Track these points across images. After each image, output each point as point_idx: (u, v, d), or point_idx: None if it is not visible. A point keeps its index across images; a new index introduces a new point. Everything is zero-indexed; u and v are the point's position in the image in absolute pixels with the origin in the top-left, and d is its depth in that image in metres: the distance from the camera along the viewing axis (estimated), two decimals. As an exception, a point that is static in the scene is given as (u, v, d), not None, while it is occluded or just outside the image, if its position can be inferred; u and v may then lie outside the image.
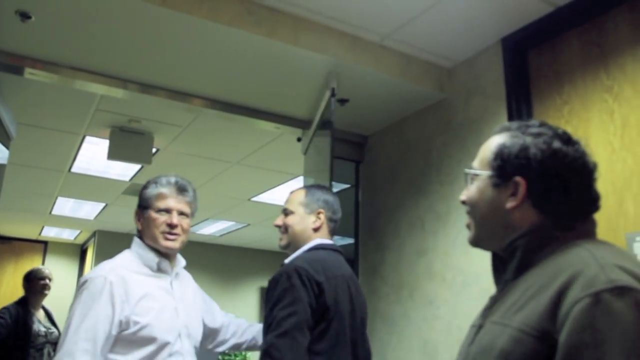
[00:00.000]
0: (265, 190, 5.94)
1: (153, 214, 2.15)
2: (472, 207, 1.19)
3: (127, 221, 8.21)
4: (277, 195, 6.11)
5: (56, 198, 6.74)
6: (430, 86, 3.18)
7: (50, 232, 9.28)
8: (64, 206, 7.15)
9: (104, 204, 7.05)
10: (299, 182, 5.41)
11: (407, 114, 3.51)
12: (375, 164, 3.79)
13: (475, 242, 1.20)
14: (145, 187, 2.25)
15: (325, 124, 3.26)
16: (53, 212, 7.52)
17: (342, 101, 3.34)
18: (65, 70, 2.99)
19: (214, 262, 9.68)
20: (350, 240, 3.81)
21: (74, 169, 5.44)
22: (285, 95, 3.32)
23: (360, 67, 2.93)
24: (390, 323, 3.36)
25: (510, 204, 1.10)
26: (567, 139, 1.11)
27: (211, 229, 8.40)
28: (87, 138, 4.53)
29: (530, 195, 1.08)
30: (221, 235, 8.97)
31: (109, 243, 8.73)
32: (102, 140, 4.45)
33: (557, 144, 1.08)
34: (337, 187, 4.27)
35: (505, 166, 1.11)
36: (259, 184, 5.71)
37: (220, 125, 4.14)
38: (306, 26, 2.77)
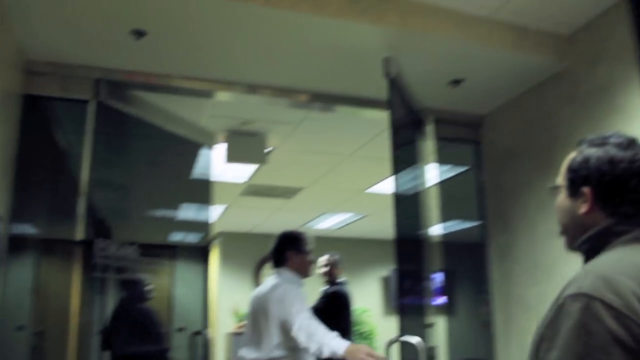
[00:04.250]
0: (380, 181, 5.89)
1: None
2: (558, 216, 1.29)
3: (247, 221, 8.49)
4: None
5: (180, 204, 7.05)
6: (548, 56, 3.00)
7: (176, 237, 9.74)
8: (188, 210, 7.46)
9: (224, 206, 7.28)
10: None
11: (525, 88, 3.34)
12: (495, 144, 3.63)
13: (568, 247, 1.30)
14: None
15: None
16: (178, 218, 7.88)
17: (456, 82, 3.23)
18: (177, 80, 3.09)
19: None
20: (475, 224, 3.70)
21: (194, 175, 5.65)
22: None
23: (472, 45, 2.81)
24: (526, 308, 3.21)
25: (581, 210, 1.19)
26: (627, 145, 1.18)
27: (327, 222, 8.48)
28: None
29: (598, 200, 1.17)
30: (339, 228, 9.02)
31: (231, 243, 9.06)
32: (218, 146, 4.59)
33: (613, 151, 1.17)
34: (455, 170, 4.15)
35: (574, 178, 1.21)
36: (373, 175, 5.66)
37: (331, 120, 4.13)
38: (414, 9, 2.69)
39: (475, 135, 3.77)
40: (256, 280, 5.85)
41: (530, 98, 3.31)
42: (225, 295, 8.89)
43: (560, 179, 1.27)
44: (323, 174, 5.63)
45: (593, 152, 1.19)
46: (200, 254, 10.66)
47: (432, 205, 3.70)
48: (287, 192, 6.48)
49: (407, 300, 3.25)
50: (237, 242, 9.18)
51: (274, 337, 2.84)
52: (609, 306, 0.93)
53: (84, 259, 3.45)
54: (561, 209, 1.26)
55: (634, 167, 1.15)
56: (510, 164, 3.47)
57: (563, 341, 0.95)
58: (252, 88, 3.25)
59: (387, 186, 6.07)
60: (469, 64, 3.02)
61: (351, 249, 9.98)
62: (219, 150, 4.57)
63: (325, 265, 5.03)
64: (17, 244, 3.05)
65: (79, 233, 3.30)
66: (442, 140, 3.67)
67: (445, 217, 3.92)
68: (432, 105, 3.56)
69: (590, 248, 1.17)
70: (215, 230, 9.28)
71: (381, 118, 3.69)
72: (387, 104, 2.92)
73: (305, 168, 5.50)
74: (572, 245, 1.27)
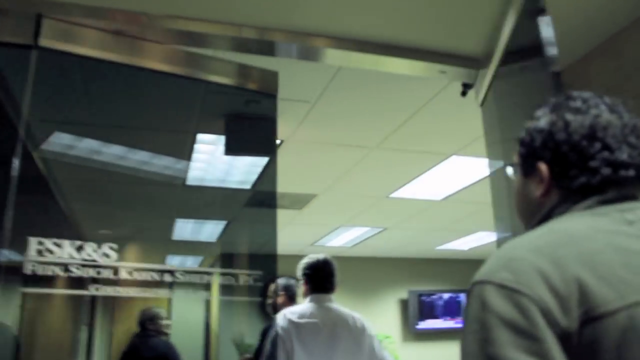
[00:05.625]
0: (409, 181, 4.98)
1: None
2: (514, 202, 1.15)
3: (252, 239, 7.57)
4: (420, 188, 5.16)
5: (174, 220, 6.14)
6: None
7: (173, 261, 8.81)
8: (183, 229, 6.55)
9: (225, 222, 6.37)
10: (449, 163, 4.43)
11: (622, 25, 2.47)
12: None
13: None
14: None
15: (522, 51, 2.29)
16: (173, 238, 6.95)
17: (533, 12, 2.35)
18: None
19: (346, 277, 8.84)
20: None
21: (189, 181, 4.77)
22: (443, 19, 2.39)
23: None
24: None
25: (538, 192, 1.05)
26: (587, 107, 1.02)
27: (342, 239, 7.57)
28: (199, 137, 3.81)
29: (555, 176, 1.03)
30: (353, 246, 8.10)
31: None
32: (218, 139, 3.71)
33: (570, 116, 1.02)
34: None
35: (526, 153, 1.08)
36: (402, 172, 4.76)
37: (355, 96, 3.27)
38: None
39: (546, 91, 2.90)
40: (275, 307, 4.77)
41: (632, 38, 2.45)
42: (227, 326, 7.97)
43: (515, 156, 1.15)
44: (342, 173, 4.73)
45: (546, 119, 1.05)
46: (200, 280, 9.70)
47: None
48: (297, 201, 5.57)
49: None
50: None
51: None
52: (499, 286, 0.82)
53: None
54: (515, 192, 1.14)
55: (596, 127, 0.98)
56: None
57: (462, 339, 0.84)
58: (260, 31, 2.37)
59: (415, 189, 5.18)
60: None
61: (367, 269, 9.07)
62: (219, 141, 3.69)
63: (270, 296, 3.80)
64: None
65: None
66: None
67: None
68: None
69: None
70: (217, 252, 8.36)
71: (422, 77, 2.82)
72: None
73: (320, 166, 4.61)
74: None
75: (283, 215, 6.16)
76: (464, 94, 2.86)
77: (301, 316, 3.00)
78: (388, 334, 8.64)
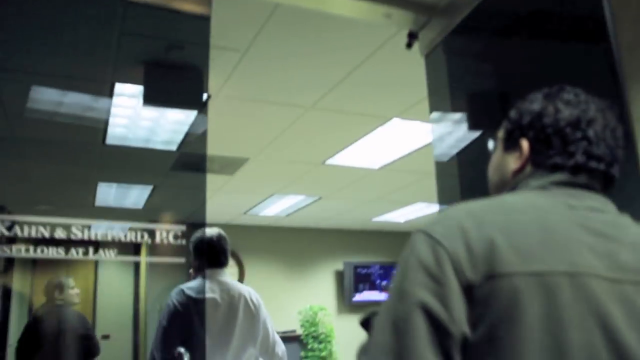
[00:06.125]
0: (346, 147, 4.73)
1: None
2: (488, 174, 1.22)
3: (179, 206, 7.18)
4: (357, 155, 4.92)
5: (96, 184, 5.71)
6: None
7: (99, 229, 8.33)
8: (107, 195, 6.11)
9: (151, 187, 5.98)
10: (390, 127, 4.20)
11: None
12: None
13: None
14: None
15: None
16: (97, 204, 6.50)
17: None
18: None
19: (281, 247, 8.62)
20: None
21: (109, 140, 4.36)
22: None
23: None
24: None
25: (513, 166, 1.13)
26: (577, 102, 1.09)
27: (276, 208, 7.28)
28: (118, 87, 3.43)
29: (533, 154, 1.10)
30: (287, 215, 7.84)
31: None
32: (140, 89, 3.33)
33: (561, 105, 1.09)
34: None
35: (512, 129, 1.14)
36: (338, 137, 4.50)
37: (290, 44, 2.97)
38: None
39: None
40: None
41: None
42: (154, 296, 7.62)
43: (500, 132, 1.20)
44: (276, 136, 4.43)
45: (539, 103, 1.11)
46: (128, 249, 9.33)
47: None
48: (228, 166, 5.24)
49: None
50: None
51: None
52: (428, 236, 0.94)
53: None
54: (492, 165, 1.20)
55: (581, 119, 1.06)
56: None
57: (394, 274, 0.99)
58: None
59: (350, 155, 4.94)
60: None
61: (302, 240, 8.85)
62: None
63: None
64: None
65: None
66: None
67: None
68: None
69: None
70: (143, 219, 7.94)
71: (367, 27, 2.55)
72: None
73: (251, 128, 4.29)
74: None
75: (213, 181, 5.82)
76: (409, 45, 2.60)
77: (199, 292, 2.92)
78: (323, 305, 8.48)
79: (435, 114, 2.66)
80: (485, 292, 0.87)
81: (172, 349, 2.75)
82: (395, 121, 4.07)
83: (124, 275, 9.38)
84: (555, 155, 1.06)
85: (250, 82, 3.42)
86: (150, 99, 3.11)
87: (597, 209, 1.01)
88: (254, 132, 4.35)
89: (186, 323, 2.83)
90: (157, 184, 5.83)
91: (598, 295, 0.88)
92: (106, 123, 4.00)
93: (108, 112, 3.80)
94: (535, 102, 1.12)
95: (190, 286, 2.97)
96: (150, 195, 6.33)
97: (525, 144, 1.10)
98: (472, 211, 0.97)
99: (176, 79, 3.09)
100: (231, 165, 5.22)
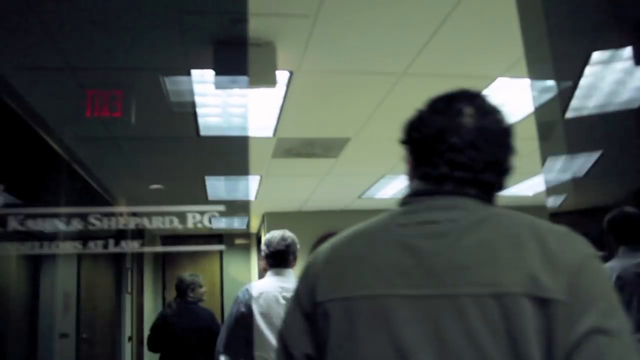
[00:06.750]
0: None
1: None
2: None
3: (290, 195, 7.06)
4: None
5: (204, 179, 5.72)
6: None
7: (220, 223, 8.44)
8: (216, 188, 6.11)
9: (258, 176, 5.90)
10: (501, 86, 3.74)
11: None
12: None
13: None
14: None
15: None
16: (209, 198, 6.53)
17: None
18: None
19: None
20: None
21: (204, 131, 4.28)
22: None
23: None
24: None
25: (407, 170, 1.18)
26: (445, 108, 1.09)
27: (389, 190, 6.92)
28: (194, 73, 3.29)
29: (414, 161, 1.14)
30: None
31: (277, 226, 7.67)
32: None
33: (426, 112, 1.11)
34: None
35: (402, 135, 1.16)
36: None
37: (361, 2, 2.65)
38: None
39: None
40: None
41: None
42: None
43: None
44: (371, 111, 4.11)
45: (417, 113, 1.13)
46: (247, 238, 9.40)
47: None
48: (330, 148, 4.99)
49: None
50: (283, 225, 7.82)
51: None
52: (310, 261, 1.14)
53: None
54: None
55: (446, 129, 1.06)
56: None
57: None
58: None
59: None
60: None
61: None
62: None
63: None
64: None
65: None
66: None
67: None
68: None
69: None
70: (260, 211, 7.97)
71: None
72: None
73: (343, 103, 3.99)
74: None
75: (319, 166, 5.61)
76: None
77: (262, 291, 3.01)
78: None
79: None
80: (315, 318, 1.05)
81: (237, 350, 2.95)
82: (501, 81, 3.61)
83: (245, 265, 9.52)
84: (423, 165, 1.08)
85: (328, 52, 3.13)
86: (223, 81, 2.93)
87: (433, 221, 1.00)
88: (347, 108, 4.05)
89: (250, 322, 2.97)
90: (262, 173, 5.74)
91: (392, 313, 0.95)
92: (195, 114, 3.91)
93: (193, 102, 3.69)
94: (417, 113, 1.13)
95: (256, 285, 3.11)
96: (259, 186, 6.26)
97: (406, 156, 1.14)
98: (330, 245, 1.13)
99: (246, 57, 2.88)
100: (333, 147, 4.97)
